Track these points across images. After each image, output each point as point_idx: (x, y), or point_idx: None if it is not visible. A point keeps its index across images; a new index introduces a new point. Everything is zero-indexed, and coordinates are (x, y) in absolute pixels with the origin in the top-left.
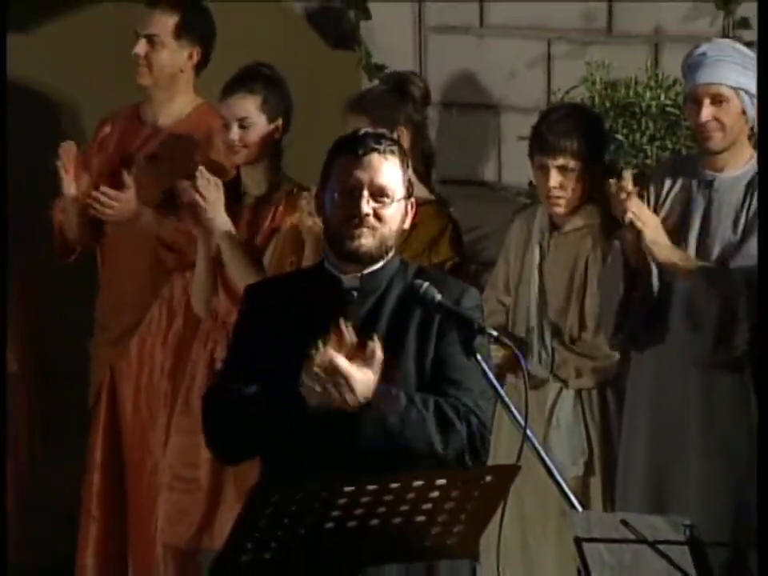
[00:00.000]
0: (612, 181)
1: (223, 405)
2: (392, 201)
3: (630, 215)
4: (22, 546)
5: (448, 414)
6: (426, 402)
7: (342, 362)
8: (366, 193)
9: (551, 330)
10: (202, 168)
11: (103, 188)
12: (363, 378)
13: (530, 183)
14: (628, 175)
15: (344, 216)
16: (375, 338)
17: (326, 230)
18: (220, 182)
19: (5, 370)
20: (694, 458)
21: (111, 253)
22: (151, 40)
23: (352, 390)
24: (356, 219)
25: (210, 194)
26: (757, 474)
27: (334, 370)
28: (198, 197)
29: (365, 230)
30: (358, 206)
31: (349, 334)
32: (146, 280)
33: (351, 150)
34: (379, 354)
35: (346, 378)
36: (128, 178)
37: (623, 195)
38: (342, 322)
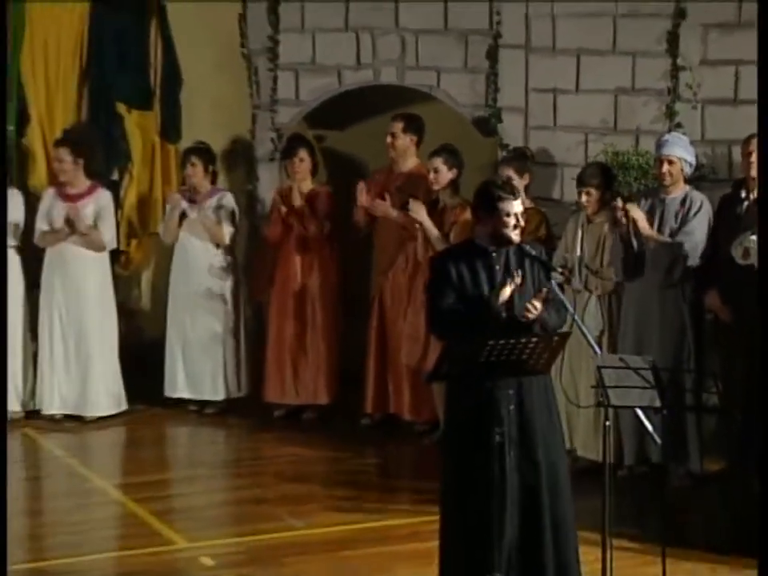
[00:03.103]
0: (614, 204)
1: (438, 310)
2: (521, 215)
3: (631, 213)
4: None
5: (551, 311)
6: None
7: (507, 292)
8: (512, 215)
9: (585, 267)
10: (411, 200)
11: (377, 200)
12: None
13: (576, 202)
14: (620, 201)
15: (504, 225)
16: (515, 275)
17: (489, 231)
18: (421, 203)
19: (5, 369)
20: (655, 331)
21: (379, 231)
22: (393, 134)
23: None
24: (509, 227)
25: (419, 210)
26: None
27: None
28: (413, 214)
29: (514, 231)
30: (509, 221)
31: (517, 277)
32: (396, 243)
33: (504, 193)
34: (519, 281)
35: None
36: (387, 196)
37: (620, 210)
38: (516, 274)
